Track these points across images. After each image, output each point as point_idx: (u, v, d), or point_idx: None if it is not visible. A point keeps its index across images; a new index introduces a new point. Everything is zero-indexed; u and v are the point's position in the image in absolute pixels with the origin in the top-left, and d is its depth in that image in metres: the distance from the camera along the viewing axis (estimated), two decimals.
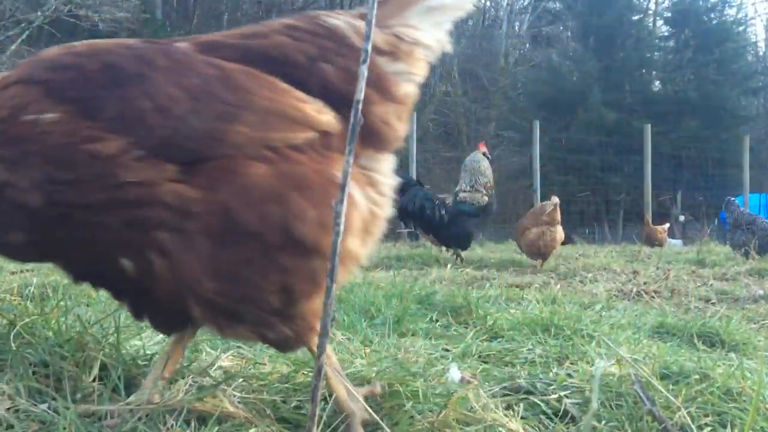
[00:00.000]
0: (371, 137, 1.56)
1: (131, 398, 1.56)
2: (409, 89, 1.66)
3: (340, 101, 1.52)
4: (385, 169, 1.63)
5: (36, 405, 1.51)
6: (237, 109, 1.42)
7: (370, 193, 1.55)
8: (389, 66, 1.62)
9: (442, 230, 8.42)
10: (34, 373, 1.65)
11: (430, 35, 1.71)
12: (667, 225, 14.35)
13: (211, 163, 1.40)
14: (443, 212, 8.39)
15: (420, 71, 1.69)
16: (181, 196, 1.37)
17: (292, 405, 1.68)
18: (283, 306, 1.45)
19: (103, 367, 1.71)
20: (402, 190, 8.94)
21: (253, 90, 1.45)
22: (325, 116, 1.50)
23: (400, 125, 1.66)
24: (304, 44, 1.55)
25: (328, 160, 1.48)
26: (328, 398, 1.64)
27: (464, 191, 8.56)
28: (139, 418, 1.48)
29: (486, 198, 8.54)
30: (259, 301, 1.44)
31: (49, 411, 1.49)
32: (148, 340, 2.09)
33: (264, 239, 1.38)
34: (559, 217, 7.45)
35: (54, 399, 1.53)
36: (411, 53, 1.66)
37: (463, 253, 8.48)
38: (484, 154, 8.92)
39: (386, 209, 1.61)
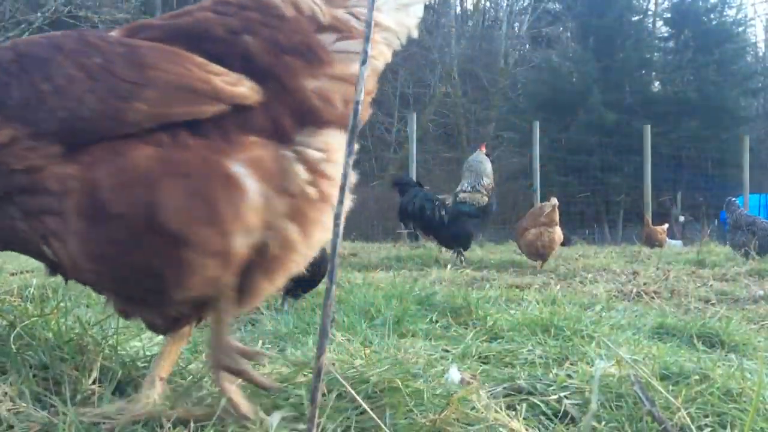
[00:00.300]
0: (306, 113, 1.49)
1: (129, 401, 1.56)
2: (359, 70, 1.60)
3: (263, 73, 1.47)
4: (329, 146, 1.52)
5: (37, 409, 1.51)
6: (136, 86, 1.39)
7: (302, 175, 1.46)
8: (335, 44, 1.54)
9: (442, 231, 8.43)
10: (34, 375, 1.65)
11: (391, 17, 1.64)
12: (666, 225, 14.35)
13: (101, 144, 1.39)
14: (443, 213, 8.40)
15: (377, 54, 1.60)
16: (64, 177, 1.38)
17: (290, 402, 1.68)
18: (162, 291, 1.44)
19: (103, 369, 1.71)
20: (402, 191, 8.95)
21: (156, 65, 1.42)
22: (240, 88, 1.44)
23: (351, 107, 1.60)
24: (228, 18, 1.50)
25: (234, 145, 1.41)
26: (326, 395, 1.64)
27: (464, 191, 8.57)
28: (137, 421, 1.48)
29: (486, 198, 8.56)
30: (136, 283, 1.44)
31: (50, 415, 1.49)
32: (147, 341, 2.08)
33: (129, 222, 1.37)
34: (557, 218, 7.46)
35: (54, 403, 1.53)
36: (362, 31, 1.56)
37: (464, 254, 8.49)
38: (486, 155, 8.95)
39: (331, 189, 1.49)
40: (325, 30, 1.54)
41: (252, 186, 1.40)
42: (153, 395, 1.56)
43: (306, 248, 1.51)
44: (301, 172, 1.46)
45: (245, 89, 1.44)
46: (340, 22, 1.56)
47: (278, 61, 1.48)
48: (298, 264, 1.55)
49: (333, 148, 1.51)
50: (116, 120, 1.38)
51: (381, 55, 1.62)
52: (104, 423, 1.48)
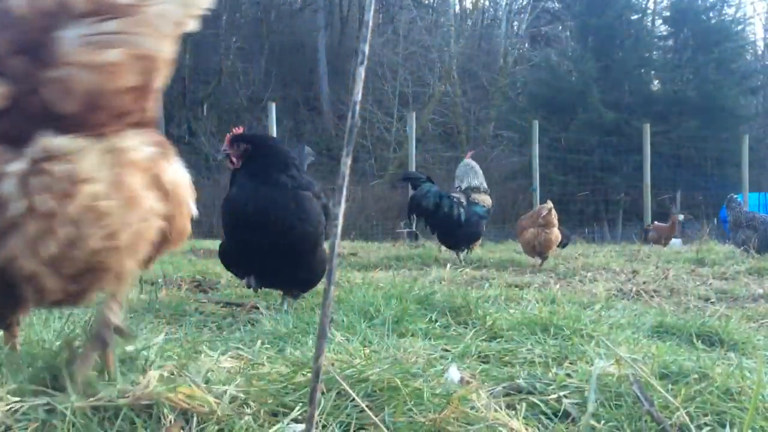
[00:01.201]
0: (43, 115, 1.37)
1: (127, 397, 1.55)
2: (113, 56, 1.37)
3: (7, 76, 1.37)
4: (46, 154, 1.37)
5: (35, 408, 1.51)
6: None
7: (7, 188, 1.36)
8: (90, 26, 1.38)
9: (456, 230, 8.29)
10: (32, 373, 1.65)
11: None
12: (655, 223, 14.45)
13: None
14: (461, 211, 8.34)
15: (149, 31, 1.39)
16: None
17: (289, 400, 1.68)
18: None
19: (100, 368, 1.71)
20: (414, 185, 8.89)
21: None
22: None
23: (108, 100, 1.40)
24: None
25: None
26: (325, 394, 1.64)
27: (475, 192, 8.60)
28: (138, 415, 1.48)
29: (490, 200, 8.72)
30: None
31: (48, 411, 1.49)
32: (144, 341, 2.08)
33: None
34: (555, 220, 7.55)
35: (54, 396, 1.53)
36: (127, 7, 1.39)
37: (462, 254, 8.51)
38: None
39: (45, 204, 1.37)
40: (77, 17, 1.39)
41: None
42: (148, 381, 1.56)
43: (37, 262, 1.41)
44: (7, 185, 1.36)
45: None
46: (99, 5, 1.39)
47: (13, 62, 1.38)
48: (45, 271, 1.45)
49: (56, 156, 1.38)
50: None
51: (155, 32, 1.39)
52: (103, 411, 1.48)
